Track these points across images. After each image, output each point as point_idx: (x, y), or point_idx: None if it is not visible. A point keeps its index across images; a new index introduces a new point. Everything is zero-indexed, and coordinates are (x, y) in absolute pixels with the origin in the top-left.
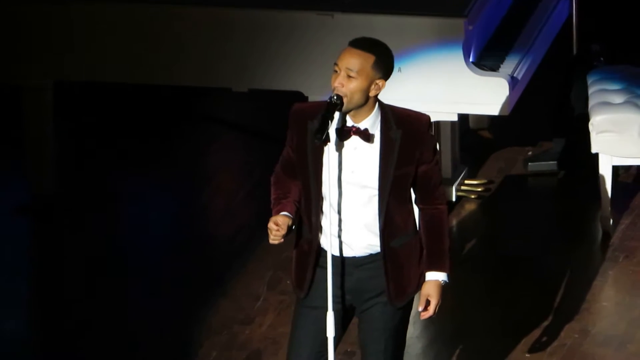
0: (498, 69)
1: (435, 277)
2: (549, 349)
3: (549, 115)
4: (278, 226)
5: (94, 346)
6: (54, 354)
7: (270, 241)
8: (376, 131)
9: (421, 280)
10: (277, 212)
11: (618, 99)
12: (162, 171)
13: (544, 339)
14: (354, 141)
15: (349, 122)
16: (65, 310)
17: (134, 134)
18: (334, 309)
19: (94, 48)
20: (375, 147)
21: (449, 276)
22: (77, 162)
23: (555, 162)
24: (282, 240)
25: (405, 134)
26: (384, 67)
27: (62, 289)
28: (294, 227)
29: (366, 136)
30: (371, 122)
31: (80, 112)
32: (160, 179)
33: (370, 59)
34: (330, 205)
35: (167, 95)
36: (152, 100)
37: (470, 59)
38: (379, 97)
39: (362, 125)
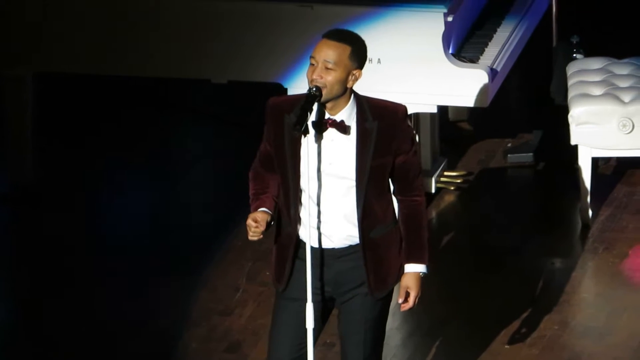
0: (477, 60)
1: (415, 269)
2: (528, 341)
3: (529, 106)
4: (257, 223)
5: (73, 337)
6: (32, 343)
7: (249, 238)
8: (352, 123)
9: (401, 270)
10: (256, 208)
11: (597, 90)
12: (140, 162)
13: (524, 330)
14: (330, 133)
15: (325, 115)
16: (43, 299)
17: (111, 125)
18: (313, 301)
19: (74, 39)
20: (351, 139)
21: (428, 268)
22: (56, 152)
23: (532, 153)
24: (262, 236)
25: (381, 125)
26: (360, 57)
27: (40, 278)
28: (272, 222)
29: (342, 128)
30: (347, 113)
31: (59, 102)
32: (138, 170)
33: (346, 49)
34: (309, 197)
35: (146, 86)
36: (131, 91)
37: (450, 51)
38: (358, 88)
39: (338, 117)
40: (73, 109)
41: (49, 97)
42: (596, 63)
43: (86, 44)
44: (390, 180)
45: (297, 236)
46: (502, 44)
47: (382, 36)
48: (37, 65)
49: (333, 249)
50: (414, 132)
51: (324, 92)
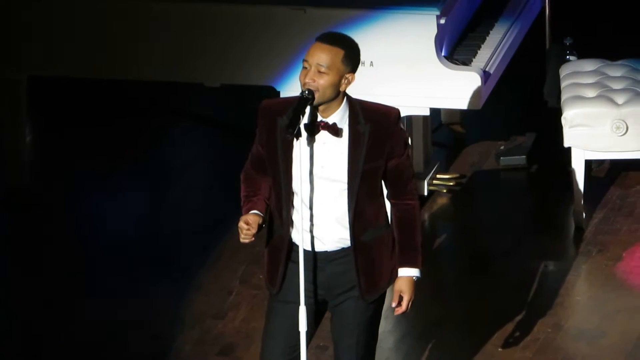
0: (470, 63)
1: (408, 273)
2: (521, 344)
3: (522, 109)
4: (249, 225)
5: (67, 339)
6: (28, 347)
7: (241, 240)
8: (344, 125)
9: (393, 274)
10: (248, 211)
11: (591, 92)
12: (133, 165)
13: (517, 333)
14: (323, 136)
15: (318, 118)
16: (39, 303)
17: (106, 128)
18: (306, 304)
19: (67, 43)
20: (344, 142)
21: (421, 271)
22: (50, 155)
23: (525, 156)
24: (253, 239)
25: (374, 128)
26: (353, 60)
27: (36, 281)
28: (264, 225)
29: (335, 131)
30: (339, 116)
31: (53, 105)
32: (131, 173)
33: (339, 53)
34: (302, 200)
35: (140, 89)
36: (125, 94)
37: (443, 53)
38: (350, 91)
39: (330, 120)
40: (68, 113)
41: (43, 101)
42: (589, 65)
43: (80, 48)
44: (383, 183)
45: (290, 239)
46: (495, 46)
47: (375, 39)
48: (31, 69)
49: (325, 251)
50: (407, 135)
51: (316, 95)
